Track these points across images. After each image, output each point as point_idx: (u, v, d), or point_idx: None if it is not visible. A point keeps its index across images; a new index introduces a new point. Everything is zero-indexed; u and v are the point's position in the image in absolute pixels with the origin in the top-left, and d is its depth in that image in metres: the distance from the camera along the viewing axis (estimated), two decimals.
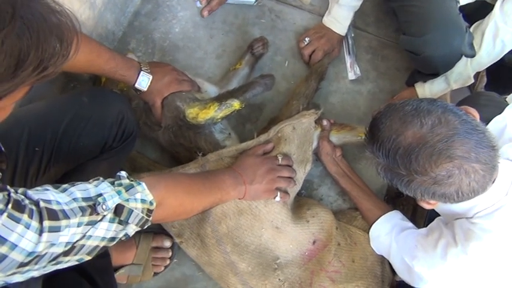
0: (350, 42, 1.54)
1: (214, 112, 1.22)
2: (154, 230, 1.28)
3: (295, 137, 1.25)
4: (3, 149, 0.82)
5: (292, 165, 1.21)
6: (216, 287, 1.28)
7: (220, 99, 1.23)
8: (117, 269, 1.22)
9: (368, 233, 1.27)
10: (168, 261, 1.27)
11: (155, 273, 1.27)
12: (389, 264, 1.24)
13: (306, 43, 1.50)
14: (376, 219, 1.24)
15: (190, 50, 1.51)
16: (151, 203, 0.81)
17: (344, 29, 1.49)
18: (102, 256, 1.10)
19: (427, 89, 1.40)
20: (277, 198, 1.17)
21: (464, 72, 1.32)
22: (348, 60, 1.53)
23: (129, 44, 1.49)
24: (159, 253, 1.26)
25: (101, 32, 1.37)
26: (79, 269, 1.03)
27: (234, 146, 1.24)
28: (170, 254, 1.27)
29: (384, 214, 1.24)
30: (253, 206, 1.18)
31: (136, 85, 1.17)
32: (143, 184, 0.81)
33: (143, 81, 1.17)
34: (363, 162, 1.42)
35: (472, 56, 1.24)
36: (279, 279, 1.22)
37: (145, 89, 1.18)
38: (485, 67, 1.33)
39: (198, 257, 1.23)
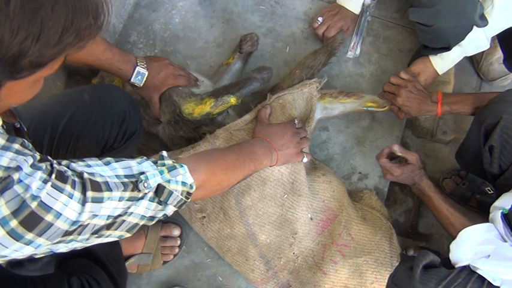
0: (362, 24, 1.53)
1: (210, 108, 1.22)
2: (162, 220, 1.29)
3: (296, 106, 1.27)
4: (25, 129, 0.84)
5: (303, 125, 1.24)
6: (226, 272, 1.29)
7: (217, 94, 1.23)
8: (127, 258, 1.23)
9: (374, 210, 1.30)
10: (177, 250, 1.29)
11: (164, 262, 1.28)
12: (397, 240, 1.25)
13: (319, 22, 1.49)
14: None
15: (191, 40, 1.51)
16: (191, 187, 0.81)
17: (358, 6, 1.48)
18: (113, 244, 1.11)
19: (440, 59, 1.37)
20: (305, 159, 1.20)
21: (477, 37, 1.29)
22: (354, 40, 1.53)
23: (130, 37, 1.50)
24: (168, 242, 1.28)
25: None
26: (91, 255, 1.04)
27: (239, 119, 1.25)
28: (179, 242, 1.29)
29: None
30: (276, 170, 1.20)
31: (132, 80, 1.17)
32: (185, 167, 0.81)
33: (139, 77, 1.18)
34: (368, 145, 1.42)
35: (484, 25, 1.21)
36: (293, 253, 1.25)
37: (141, 85, 1.18)
38: (500, 31, 1.29)
39: (219, 230, 1.25)
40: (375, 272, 1.25)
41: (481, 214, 1.49)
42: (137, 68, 1.17)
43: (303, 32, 1.54)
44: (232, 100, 1.24)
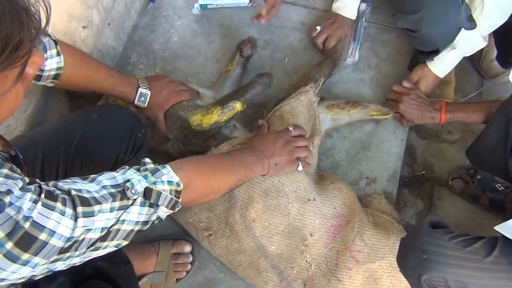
0: (359, 29, 1.55)
1: (217, 116, 1.23)
2: (173, 237, 1.30)
3: (298, 113, 1.27)
4: (21, 156, 0.85)
5: (305, 134, 1.24)
6: (240, 286, 1.29)
7: (222, 102, 1.25)
8: (139, 278, 1.23)
9: (385, 213, 1.31)
10: (189, 266, 1.28)
11: (177, 279, 1.27)
12: None
13: (317, 31, 1.51)
14: None
15: (191, 57, 1.53)
16: (178, 184, 0.83)
17: (353, 12, 1.50)
18: (125, 263, 1.12)
19: (437, 63, 1.38)
20: (300, 168, 1.19)
21: (472, 37, 1.29)
22: (352, 46, 1.54)
23: (130, 58, 1.52)
24: (180, 259, 1.27)
25: (101, 48, 1.39)
26: (105, 277, 1.04)
27: (243, 135, 1.27)
28: (191, 258, 1.28)
29: None
30: (276, 180, 1.20)
31: (135, 102, 1.19)
32: (168, 167, 0.83)
33: (142, 98, 1.20)
34: (373, 149, 1.42)
35: (472, 28, 1.23)
36: (306, 261, 1.24)
37: (145, 105, 1.20)
38: (494, 28, 1.29)
39: (227, 246, 1.25)
40: (390, 276, 1.24)
41: (493, 212, 1.47)
42: (140, 90, 1.19)
43: (300, 42, 1.55)
44: (238, 106, 1.25)
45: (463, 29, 1.27)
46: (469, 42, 1.30)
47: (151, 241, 1.28)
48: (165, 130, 1.26)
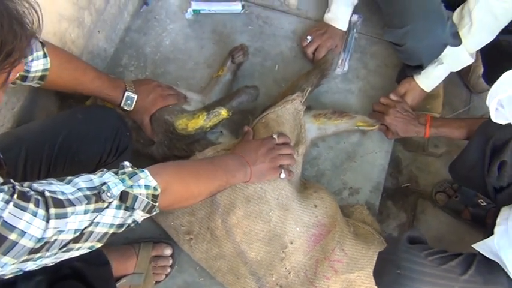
0: (350, 40, 1.56)
1: (203, 121, 1.24)
2: (154, 239, 1.30)
3: (284, 122, 1.28)
4: (1, 156, 0.86)
5: (290, 142, 1.25)
6: None
7: (208, 108, 1.26)
8: (118, 279, 1.23)
9: (366, 224, 1.31)
10: (169, 270, 1.29)
11: (157, 282, 1.28)
12: None
13: (308, 41, 1.52)
14: None
15: (182, 61, 1.54)
16: (155, 189, 0.84)
17: (345, 23, 1.51)
18: (103, 264, 1.13)
19: (424, 77, 1.39)
20: (282, 175, 1.19)
21: (459, 53, 1.31)
22: (342, 56, 1.55)
23: (122, 60, 1.53)
24: (160, 261, 1.28)
25: (92, 49, 1.40)
26: (80, 278, 1.05)
27: (229, 142, 1.28)
28: (171, 262, 1.29)
29: None
30: (258, 187, 1.20)
31: (122, 105, 1.20)
32: (146, 171, 0.84)
33: (129, 101, 1.21)
34: (358, 160, 1.43)
35: (457, 44, 1.25)
36: (285, 269, 1.24)
37: (131, 108, 1.21)
38: (482, 45, 1.30)
39: (208, 251, 1.26)
40: (368, 287, 1.25)
41: (475, 227, 1.48)
42: (126, 93, 1.20)
43: (291, 51, 1.56)
44: (224, 112, 1.26)
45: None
46: (456, 58, 1.32)
47: (132, 243, 1.28)
48: (150, 133, 1.27)
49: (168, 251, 1.28)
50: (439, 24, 1.19)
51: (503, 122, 0.88)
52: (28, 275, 0.98)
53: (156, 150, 1.30)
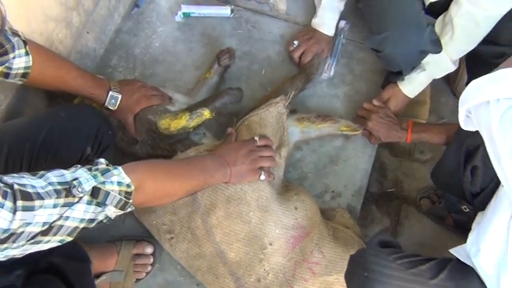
0: (336, 46, 1.58)
1: (185, 121, 1.26)
2: (136, 238, 1.32)
3: (266, 124, 1.30)
4: None
5: (272, 145, 1.26)
6: None
7: (192, 109, 1.28)
8: (98, 275, 1.25)
9: (347, 228, 1.32)
10: (149, 268, 1.30)
11: (137, 280, 1.29)
12: None
13: (295, 46, 1.54)
14: None
15: (170, 63, 1.56)
16: (128, 186, 0.85)
17: (331, 29, 1.53)
18: (83, 260, 1.15)
19: (407, 83, 1.40)
20: (262, 177, 1.20)
21: (441, 60, 1.32)
22: (328, 61, 1.56)
23: (111, 61, 1.55)
24: (141, 259, 1.29)
25: (81, 49, 1.43)
26: (56, 272, 1.06)
27: (211, 143, 1.30)
28: (152, 260, 1.30)
29: None
30: (239, 188, 1.21)
31: (106, 104, 1.22)
32: (119, 168, 0.86)
33: (113, 100, 1.23)
34: (341, 164, 1.44)
35: (437, 52, 1.26)
36: (264, 270, 1.25)
37: (115, 108, 1.23)
38: (464, 53, 1.31)
39: (188, 250, 1.27)
40: None
41: (458, 232, 1.49)
42: (110, 93, 1.22)
43: (278, 55, 1.58)
44: (206, 113, 1.28)
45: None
46: (438, 65, 1.33)
47: (113, 240, 1.30)
48: (134, 133, 1.29)
49: (149, 250, 1.30)
50: (416, 31, 1.20)
51: (472, 129, 0.89)
52: (8, 269, 1.00)
53: (139, 150, 1.31)
